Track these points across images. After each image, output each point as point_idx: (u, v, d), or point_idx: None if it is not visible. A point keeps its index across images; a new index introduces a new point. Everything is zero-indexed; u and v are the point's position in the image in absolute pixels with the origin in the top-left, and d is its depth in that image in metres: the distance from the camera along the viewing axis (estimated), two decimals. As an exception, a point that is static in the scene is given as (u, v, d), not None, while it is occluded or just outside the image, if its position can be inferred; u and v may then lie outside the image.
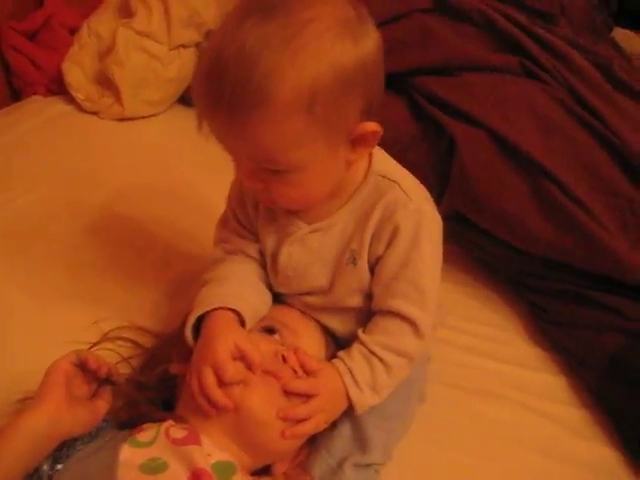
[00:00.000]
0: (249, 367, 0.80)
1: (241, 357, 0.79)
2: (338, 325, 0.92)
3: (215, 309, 0.84)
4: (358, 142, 0.75)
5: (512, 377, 1.10)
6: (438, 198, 0.89)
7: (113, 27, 1.63)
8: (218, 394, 0.77)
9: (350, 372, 0.83)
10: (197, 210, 1.35)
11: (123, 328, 1.02)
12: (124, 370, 0.93)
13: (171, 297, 1.14)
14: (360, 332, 0.86)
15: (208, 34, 1.71)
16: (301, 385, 0.81)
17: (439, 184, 1.24)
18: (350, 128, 0.72)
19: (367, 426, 0.85)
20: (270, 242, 0.90)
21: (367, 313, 0.89)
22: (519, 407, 1.05)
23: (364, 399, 0.84)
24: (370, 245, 0.83)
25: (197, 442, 0.74)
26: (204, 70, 0.68)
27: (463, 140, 1.22)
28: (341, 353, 0.86)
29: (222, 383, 0.77)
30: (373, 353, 0.84)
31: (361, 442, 0.86)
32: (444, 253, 0.87)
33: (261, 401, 0.79)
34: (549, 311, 1.17)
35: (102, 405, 0.83)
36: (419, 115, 1.31)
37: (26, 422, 0.74)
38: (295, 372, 0.82)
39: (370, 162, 0.83)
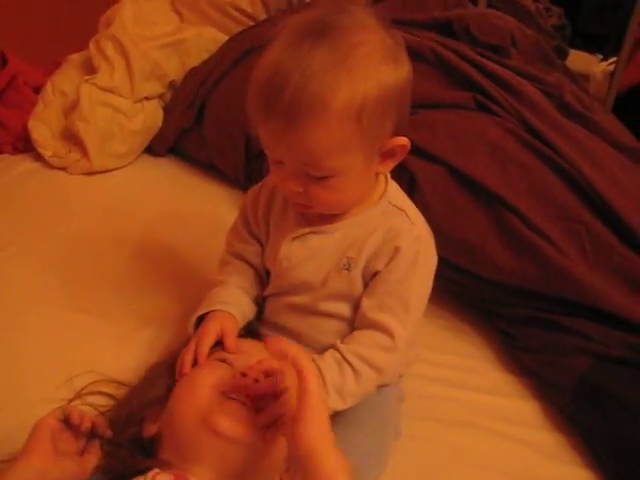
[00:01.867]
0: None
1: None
2: (318, 335, 0.96)
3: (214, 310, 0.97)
4: (387, 155, 0.85)
5: (486, 405, 1.11)
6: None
7: (76, 84, 1.66)
8: (187, 360, 0.89)
9: (320, 372, 0.87)
10: (174, 257, 1.37)
11: (98, 382, 1.02)
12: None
13: (147, 348, 1.14)
14: (338, 342, 0.92)
15: (171, 85, 1.75)
16: (265, 385, 0.81)
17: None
18: (384, 141, 0.83)
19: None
20: (276, 238, 0.97)
21: (348, 328, 0.94)
22: (494, 435, 1.06)
23: (329, 401, 0.87)
24: (369, 260, 0.90)
25: None
26: (264, 79, 0.77)
27: (423, 176, 1.25)
28: (314, 356, 0.90)
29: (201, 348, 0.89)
30: (346, 359, 0.89)
31: None
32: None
33: (231, 424, 0.79)
34: (518, 337, 1.19)
35: (90, 459, 0.83)
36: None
37: (11, 476, 0.74)
38: (257, 382, 0.82)
39: (385, 189, 0.92)
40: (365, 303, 0.92)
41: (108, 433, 0.87)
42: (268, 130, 0.79)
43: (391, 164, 0.88)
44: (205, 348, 0.90)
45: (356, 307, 0.94)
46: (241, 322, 0.99)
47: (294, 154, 0.80)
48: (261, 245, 1.03)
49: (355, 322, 0.94)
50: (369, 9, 0.82)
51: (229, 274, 1.04)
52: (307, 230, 0.93)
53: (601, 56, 2.59)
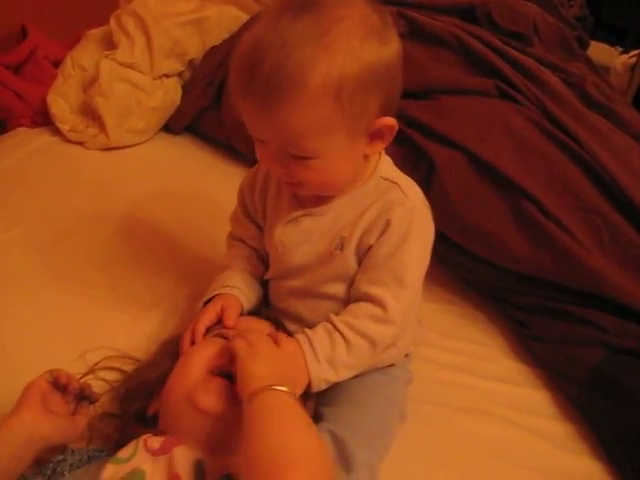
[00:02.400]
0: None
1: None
2: (319, 318, 0.94)
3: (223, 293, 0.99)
4: (375, 136, 0.82)
5: (496, 393, 1.12)
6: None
7: (96, 59, 1.65)
8: (185, 339, 0.92)
9: (309, 342, 0.87)
10: (187, 235, 1.37)
11: (111, 358, 1.04)
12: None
13: (159, 325, 1.15)
14: (331, 314, 0.90)
15: (190, 63, 1.74)
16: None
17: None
18: (370, 122, 0.79)
19: (350, 445, 0.86)
20: (271, 221, 0.97)
21: (342, 305, 0.93)
22: (504, 423, 1.07)
23: (320, 371, 0.86)
24: (362, 236, 0.89)
25: (175, 445, 0.76)
26: (243, 54, 0.74)
27: (442, 162, 1.25)
28: (305, 329, 0.90)
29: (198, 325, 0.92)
30: (336, 328, 0.88)
31: (345, 461, 0.86)
32: (428, 272, 0.92)
33: (213, 400, 0.79)
34: (531, 327, 1.19)
35: (81, 419, 0.88)
36: (399, 138, 1.33)
37: (4, 429, 0.78)
38: None
39: (377, 164, 0.90)
40: (358, 278, 0.91)
41: (96, 395, 0.91)
42: (247, 106, 0.77)
43: (380, 145, 0.85)
44: (201, 326, 0.92)
45: (351, 285, 0.93)
46: (246, 303, 0.99)
47: (273, 133, 0.77)
48: (259, 228, 1.03)
49: (350, 297, 0.93)
50: None
51: (233, 258, 1.06)
52: (300, 213, 0.92)
53: (621, 49, 2.57)
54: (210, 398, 0.79)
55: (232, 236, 1.09)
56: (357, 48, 0.74)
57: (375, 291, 0.88)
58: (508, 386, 1.14)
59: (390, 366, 1.00)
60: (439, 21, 1.48)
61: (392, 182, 0.89)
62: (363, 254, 0.90)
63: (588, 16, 2.54)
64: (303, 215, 0.92)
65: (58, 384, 0.87)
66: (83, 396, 0.89)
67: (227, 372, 0.82)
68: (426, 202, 0.93)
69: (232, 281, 1.01)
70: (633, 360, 1.08)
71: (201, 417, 0.79)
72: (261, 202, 1.00)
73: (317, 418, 0.92)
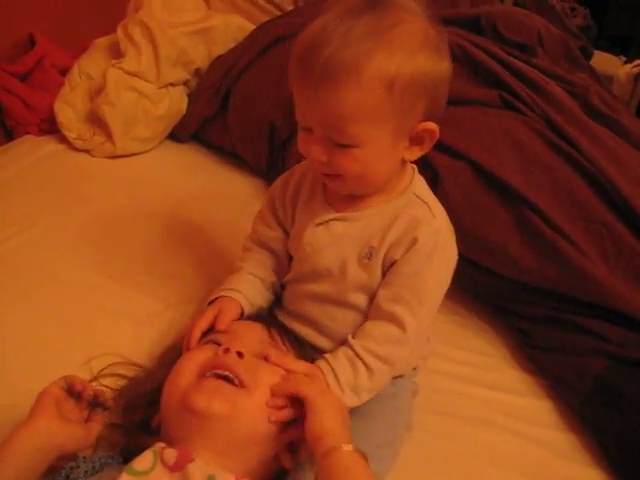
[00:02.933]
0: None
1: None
2: (337, 326, 0.97)
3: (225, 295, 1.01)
4: (415, 141, 0.85)
5: (500, 403, 1.12)
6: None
7: (103, 68, 1.67)
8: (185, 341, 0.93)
9: (333, 371, 0.89)
10: (193, 242, 1.38)
11: (116, 364, 1.04)
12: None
13: (166, 331, 1.15)
14: (349, 337, 0.92)
15: (196, 72, 1.76)
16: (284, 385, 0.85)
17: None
18: (414, 124, 0.83)
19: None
20: (301, 224, 0.98)
21: (363, 320, 0.94)
22: (507, 432, 1.07)
23: (344, 399, 0.88)
24: (389, 249, 0.90)
25: (190, 460, 0.76)
26: (307, 38, 0.78)
27: (446, 172, 1.26)
28: (327, 355, 0.92)
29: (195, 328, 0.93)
30: (358, 356, 0.89)
31: None
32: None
33: (206, 400, 0.80)
34: (534, 337, 1.20)
35: (95, 426, 0.87)
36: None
37: (19, 438, 0.77)
38: (240, 354, 0.85)
39: (412, 180, 0.93)
40: (380, 293, 0.92)
41: (110, 403, 0.91)
42: (302, 89, 0.80)
43: (418, 152, 0.87)
44: (197, 331, 0.94)
45: (373, 297, 0.94)
46: (247, 307, 1.00)
47: (321, 115, 0.79)
48: (285, 232, 1.03)
49: (369, 312, 0.94)
50: (422, 0, 0.83)
51: (245, 260, 1.06)
52: (331, 216, 0.93)
53: (625, 58, 2.58)
54: (202, 398, 0.80)
55: (252, 238, 1.08)
56: (415, 52, 0.77)
57: (397, 310, 0.89)
58: (512, 396, 1.14)
59: (397, 377, 1.00)
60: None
61: (423, 201, 0.91)
62: (387, 268, 0.91)
63: (592, 26, 2.56)
64: (335, 219, 0.93)
65: (72, 391, 0.87)
66: (97, 403, 0.89)
67: (219, 374, 0.82)
68: (451, 227, 0.94)
69: (236, 284, 1.02)
70: (636, 370, 1.08)
71: (197, 419, 0.79)
72: (291, 205, 1.01)
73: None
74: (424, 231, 0.88)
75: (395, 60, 0.76)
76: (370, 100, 0.77)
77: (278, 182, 1.04)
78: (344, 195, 0.92)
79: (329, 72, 0.75)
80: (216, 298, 1.01)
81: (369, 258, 0.91)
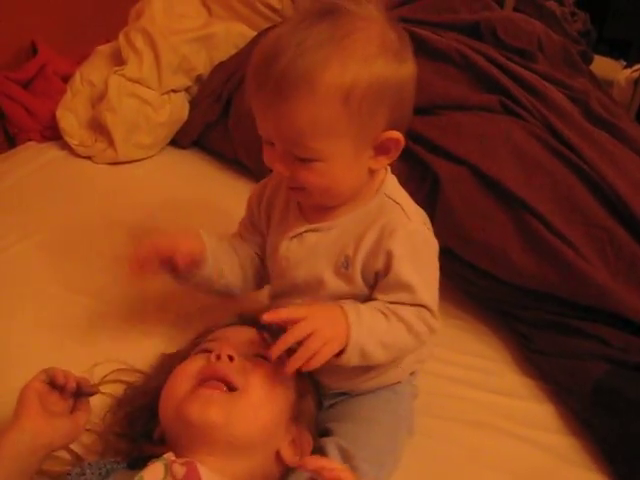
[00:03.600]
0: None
1: None
2: None
3: None
4: (381, 150, 0.84)
5: (501, 407, 1.12)
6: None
7: (105, 74, 1.67)
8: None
9: (355, 306, 0.86)
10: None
11: (119, 371, 1.05)
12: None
13: (166, 339, 1.15)
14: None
15: (198, 78, 1.76)
16: (283, 313, 0.84)
17: (426, 220, 1.28)
18: (376, 134, 0.81)
19: (358, 460, 0.86)
20: (275, 237, 0.97)
21: None
22: (508, 436, 1.07)
23: (361, 333, 0.84)
24: (366, 259, 0.88)
25: (197, 476, 0.75)
26: (262, 50, 0.78)
27: (447, 177, 1.26)
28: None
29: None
30: (378, 308, 0.87)
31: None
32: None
33: (201, 409, 0.80)
34: (535, 341, 1.20)
35: (81, 416, 0.87)
36: (405, 154, 1.35)
37: (6, 442, 0.77)
38: (231, 358, 0.85)
39: (382, 182, 0.91)
40: (379, 296, 0.90)
41: (95, 388, 0.90)
42: (258, 102, 0.79)
43: (384, 161, 0.86)
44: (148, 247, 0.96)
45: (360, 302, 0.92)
46: (209, 250, 1.01)
47: (281, 130, 0.79)
48: (264, 239, 1.03)
49: None
50: (381, 4, 0.82)
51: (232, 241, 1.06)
52: (304, 228, 0.92)
53: (625, 62, 2.58)
54: (196, 408, 0.80)
55: (238, 234, 1.09)
56: (372, 58, 0.76)
57: (409, 307, 0.88)
58: (512, 399, 1.14)
59: (396, 383, 1.00)
60: (444, 37, 1.50)
61: (395, 202, 0.90)
62: (370, 277, 0.90)
63: (592, 31, 2.56)
64: (308, 230, 0.92)
65: (55, 384, 0.86)
66: (81, 392, 0.88)
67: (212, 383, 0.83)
68: (427, 222, 0.94)
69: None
70: (637, 374, 1.08)
71: (195, 429, 0.80)
72: (266, 214, 1.00)
73: (326, 433, 0.93)
74: (399, 239, 0.86)
75: (350, 70, 0.75)
76: (326, 113, 0.76)
77: (255, 191, 1.04)
78: (315, 205, 0.91)
79: (283, 86, 0.75)
80: None
81: (346, 267, 0.90)
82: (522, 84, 1.40)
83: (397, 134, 0.83)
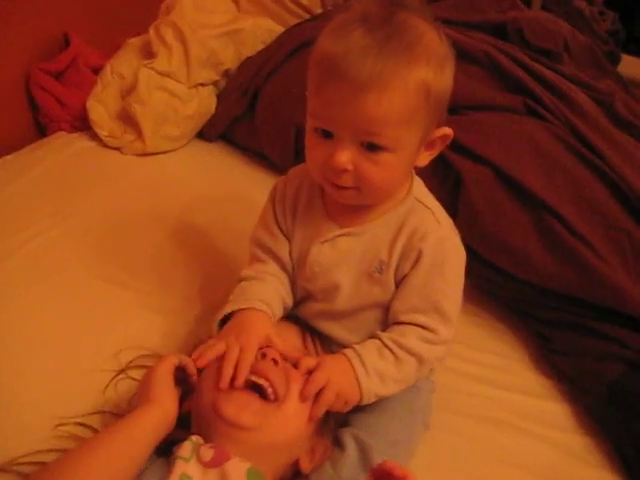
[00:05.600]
0: (283, 357, 0.88)
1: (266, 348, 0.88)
2: (349, 336, 0.97)
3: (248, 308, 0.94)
4: (428, 146, 0.88)
5: (517, 405, 1.13)
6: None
7: (135, 67, 1.70)
8: (229, 371, 0.83)
9: (359, 356, 0.89)
10: (219, 240, 1.41)
11: (144, 357, 1.07)
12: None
13: (190, 326, 1.18)
14: (378, 331, 0.93)
15: (226, 73, 1.79)
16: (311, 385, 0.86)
17: (447, 218, 1.29)
18: (433, 131, 0.86)
19: (373, 451, 0.88)
20: (303, 240, 0.97)
21: (382, 326, 0.95)
22: (523, 434, 1.08)
23: (371, 384, 0.88)
24: (399, 262, 0.91)
25: (226, 459, 0.78)
26: (338, 45, 0.78)
27: (469, 176, 1.27)
28: (353, 345, 0.92)
29: (244, 363, 0.84)
30: (385, 345, 0.90)
31: (367, 466, 0.88)
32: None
33: (235, 410, 0.81)
34: (553, 340, 1.21)
35: (181, 407, 0.88)
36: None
37: (148, 420, 0.81)
38: (276, 362, 0.86)
39: (411, 185, 0.93)
40: (396, 307, 0.93)
41: (194, 382, 0.89)
42: (335, 92, 0.79)
43: (428, 157, 0.90)
44: (229, 368, 0.84)
45: (387, 308, 0.95)
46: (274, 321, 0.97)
47: (359, 120, 0.79)
48: (289, 240, 1.01)
49: (389, 321, 0.95)
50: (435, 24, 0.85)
51: (265, 273, 1.00)
52: (337, 233, 0.93)
53: (656, 62, 2.55)
54: (232, 408, 0.81)
55: (260, 247, 1.03)
56: (443, 63, 0.82)
57: (420, 319, 0.90)
58: (528, 398, 1.15)
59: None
60: (470, 37, 1.51)
61: (426, 206, 0.92)
62: (399, 281, 0.92)
63: (620, 30, 2.54)
64: (340, 235, 0.93)
65: (185, 372, 0.87)
66: (187, 383, 0.90)
67: (253, 382, 0.84)
68: (455, 228, 0.95)
69: (267, 296, 0.96)
70: (653, 376, 1.09)
71: (225, 426, 0.81)
72: (291, 214, 0.99)
73: (343, 423, 0.94)
74: (429, 243, 0.89)
75: (430, 71, 0.80)
76: (412, 104, 0.79)
77: (278, 190, 1.02)
78: (345, 207, 0.92)
79: (378, 77, 0.76)
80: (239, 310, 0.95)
81: (380, 272, 0.92)
82: (547, 85, 1.40)
83: (448, 130, 0.87)
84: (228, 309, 0.95)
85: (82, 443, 0.81)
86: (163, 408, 0.82)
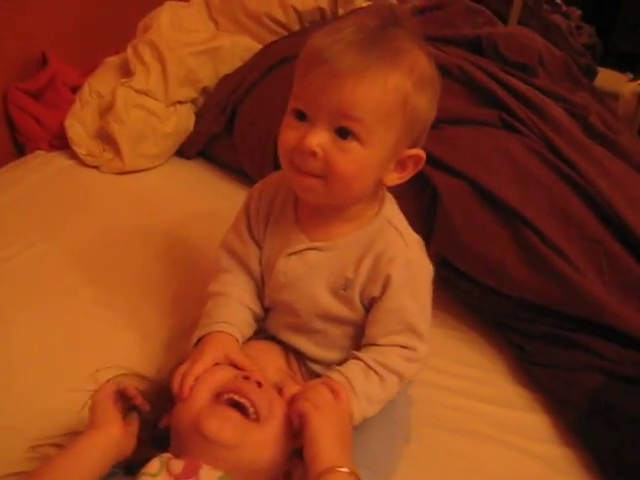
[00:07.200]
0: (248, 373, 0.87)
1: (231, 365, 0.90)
2: (315, 351, 0.98)
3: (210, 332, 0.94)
4: (399, 165, 0.87)
5: (496, 417, 1.14)
6: (425, 245, 0.97)
7: (113, 86, 1.70)
8: (178, 381, 0.86)
9: (347, 380, 0.89)
10: (201, 256, 1.40)
11: (123, 376, 1.06)
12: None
13: (169, 345, 1.18)
14: (355, 352, 0.93)
15: (204, 90, 1.79)
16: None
17: (425, 232, 1.27)
18: (405, 147, 0.85)
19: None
20: (272, 250, 0.97)
21: (351, 341, 0.96)
22: (503, 446, 1.08)
23: (361, 408, 0.89)
24: (365, 283, 0.91)
25: (198, 468, 0.77)
26: (326, 37, 0.80)
27: (445, 190, 1.28)
28: (337, 367, 0.92)
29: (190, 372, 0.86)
30: (370, 367, 0.90)
31: None
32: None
33: (219, 427, 0.80)
34: (532, 352, 1.21)
35: (132, 431, 0.87)
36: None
37: (92, 445, 0.80)
38: (260, 384, 0.86)
39: (382, 204, 0.93)
40: (373, 331, 0.93)
41: (146, 406, 0.89)
42: (315, 78, 0.80)
43: (396, 179, 0.89)
44: (190, 378, 0.86)
45: (355, 325, 0.95)
46: (241, 342, 0.97)
47: (335, 102, 0.79)
48: (259, 248, 1.00)
49: (364, 342, 0.95)
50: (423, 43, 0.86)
51: (230, 285, 1.01)
52: (305, 246, 0.93)
53: (631, 75, 2.59)
54: (214, 423, 0.80)
55: (229, 253, 1.02)
56: (426, 85, 0.83)
57: (398, 340, 0.91)
58: (508, 410, 1.16)
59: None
60: (445, 52, 1.52)
61: (395, 228, 0.91)
62: (367, 302, 0.92)
63: (597, 44, 2.58)
64: (309, 248, 0.93)
65: (124, 396, 0.87)
66: (133, 407, 0.89)
67: (235, 400, 0.83)
68: (423, 246, 0.95)
69: (229, 316, 0.97)
70: (631, 387, 1.10)
71: (207, 443, 0.80)
72: (264, 221, 0.99)
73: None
74: (398, 265, 0.89)
75: (410, 81, 0.80)
76: (390, 101, 0.80)
77: (253, 195, 1.01)
78: (315, 216, 0.92)
79: (357, 66, 0.77)
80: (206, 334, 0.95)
81: (344, 289, 0.92)
82: (521, 99, 1.41)
83: (421, 152, 0.87)
84: (195, 337, 0.97)
85: (32, 472, 0.80)
86: (107, 432, 0.81)
